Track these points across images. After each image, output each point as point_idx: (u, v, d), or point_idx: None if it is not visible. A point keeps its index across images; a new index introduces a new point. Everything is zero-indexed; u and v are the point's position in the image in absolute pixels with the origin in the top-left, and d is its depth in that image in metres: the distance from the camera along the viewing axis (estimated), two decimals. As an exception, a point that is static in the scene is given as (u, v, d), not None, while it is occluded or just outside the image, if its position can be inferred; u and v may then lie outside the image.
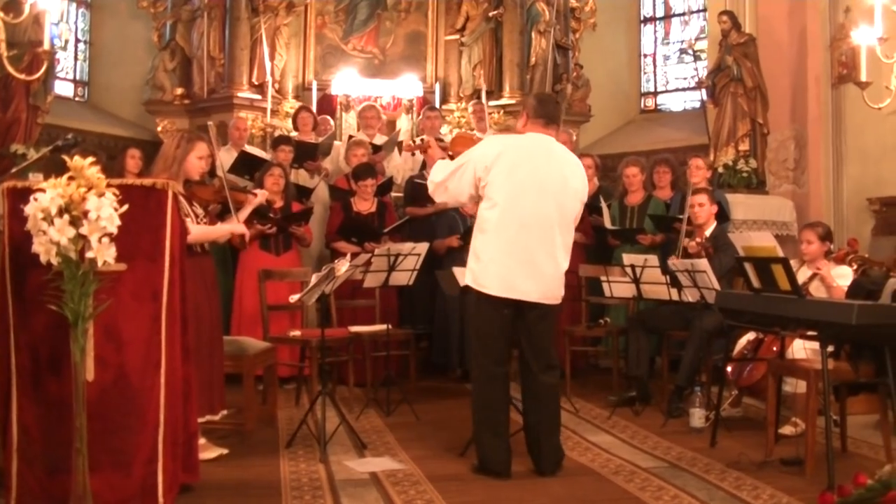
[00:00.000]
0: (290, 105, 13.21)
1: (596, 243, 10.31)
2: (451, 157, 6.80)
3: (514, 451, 6.34)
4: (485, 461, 6.27)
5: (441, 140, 10.45)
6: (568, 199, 6.31)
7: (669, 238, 9.66)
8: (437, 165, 6.67)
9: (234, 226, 7.00)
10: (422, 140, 7.64)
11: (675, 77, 15.83)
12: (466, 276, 6.44)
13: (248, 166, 10.28)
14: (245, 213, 7.22)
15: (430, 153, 7.02)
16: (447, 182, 6.44)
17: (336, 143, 12.01)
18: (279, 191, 9.38)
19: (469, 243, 9.21)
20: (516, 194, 6.17)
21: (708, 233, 8.65)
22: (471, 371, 6.71)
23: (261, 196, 7.40)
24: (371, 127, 11.91)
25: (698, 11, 15.40)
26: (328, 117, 12.80)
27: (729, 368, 7.76)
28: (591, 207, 9.91)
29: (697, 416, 7.56)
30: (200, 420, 6.10)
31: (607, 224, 9.89)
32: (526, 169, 6.20)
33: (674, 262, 8.06)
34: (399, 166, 11.70)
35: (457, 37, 14.05)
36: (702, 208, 8.68)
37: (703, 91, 12.47)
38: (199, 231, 6.54)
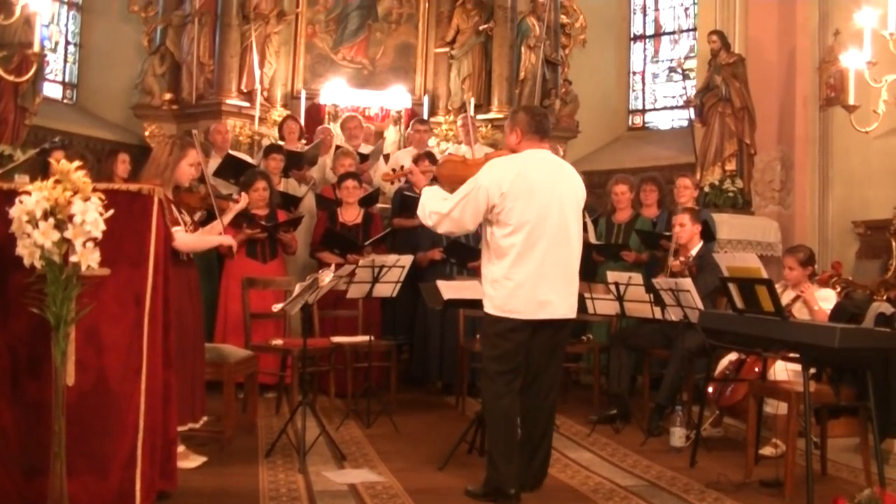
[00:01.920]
0: (279, 113, 13.20)
1: (581, 259, 10.26)
2: (436, 180, 6.73)
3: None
4: (495, 483, 6.04)
5: (430, 155, 10.50)
6: (578, 212, 6.34)
7: (654, 256, 9.67)
8: (429, 194, 6.43)
9: (224, 238, 7.01)
10: (402, 168, 7.54)
11: (664, 95, 15.87)
12: (486, 304, 6.21)
13: (234, 170, 10.28)
14: (228, 217, 7.25)
15: (415, 179, 6.90)
16: (453, 212, 6.16)
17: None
18: (265, 203, 9.35)
19: (451, 258, 9.25)
20: (540, 215, 6.04)
21: (693, 252, 8.65)
22: (482, 393, 6.47)
23: (243, 202, 7.41)
24: (355, 137, 11.92)
25: (688, 30, 15.45)
26: (330, 128, 12.73)
27: (710, 388, 7.75)
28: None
29: (678, 436, 7.56)
30: (182, 428, 6.09)
31: (592, 239, 9.86)
32: (545, 188, 6.09)
33: (658, 281, 8.05)
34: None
35: (446, 49, 14.06)
36: (683, 228, 8.66)
37: (691, 110, 12.49)
38: (190, 240, 6.54)
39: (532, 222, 6.02)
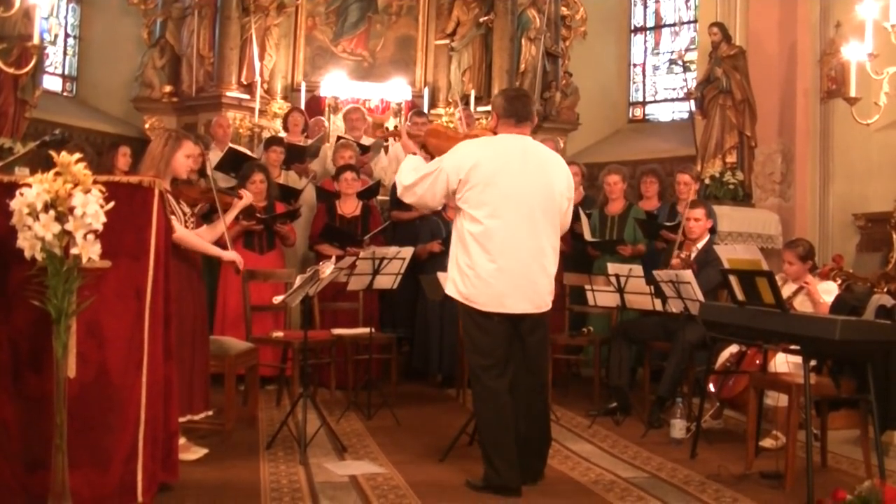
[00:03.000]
0: (279, 106, 13.21)
1: (576, 251, 10.25)
2: (424, 148, 6.61)
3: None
4: (492, 479, 6.00)
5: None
6: (553, 202, 6.13)
7: (654, 248, 9.66)
8: (407, 162, 6.43)
9: (230, 253, 6.97)
10: (395, 127, 7.48)
11: (664, 87, 15.86)
12: (448, 286, 6.23)
13: (236, 163, 10.26)
14: (231, 215, 7.21)
15: (402, 142, 6.71)
16: (416, 187, 6.22)
17: (325, 144, 12.01)
18: (263, 196, 9.33)
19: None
20: (497, 207, 5.96)
21: (700, 246, 8.64)
22: (472, 389, 6.44)
23: (246, 199, 7.36)
24: (356, 129, 11.91)
25: (689, 23, 15.44)
26: (322, 118, 12.78)
27: (711, 381, 7.75)
28: (574, 216, 9.91)
29: (678, 428, 7.56)
30: (180, 420, 6.08)
31: (587, 236, 9.82)
32: (504, 179, 5.99)
33: (658, 273, 8.05)
34: (386, 168, 11.70)
35: (447, 42, 14.05)
36: (698, 223, 8.66)
37: (692, 102, 12.46)
38: (192, 241, 6.52)
39: (491, 212, 5.96)
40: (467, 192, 6.01)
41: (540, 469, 6.30)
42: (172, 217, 6.24)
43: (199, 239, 6.70)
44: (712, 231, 9.03)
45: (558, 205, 6.19)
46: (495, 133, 6.29)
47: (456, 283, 6.14)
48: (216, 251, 6.93)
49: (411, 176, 6.26)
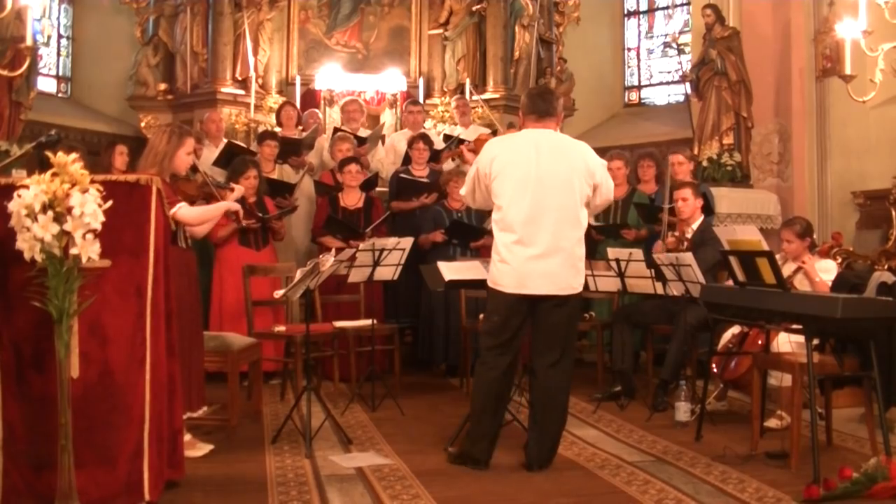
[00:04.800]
0: (274, 100, 13.17)
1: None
2: None
3: (500, 445, 6.36)
4: (466, 450, 6.36)
5: (424, 136, 10.58)
6: (572, 187, 6.28)
7: (653, 231, 9.66)
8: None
9: (229, 203, 7.01)
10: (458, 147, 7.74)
11: (659, 71, 15.87)
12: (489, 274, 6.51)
13: (234, 158, 10.23)
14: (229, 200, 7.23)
15: (466, 159, 7.14)
16: (473, 194, 6.60)
17: (321, 136, 12.00)
18: (254, 192, 9.30)
19: (453, 238, 9.32)
20: (514, 194, 6.22)
21: (694, 226, 8.64)
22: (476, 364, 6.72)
23: (238, 191, 7.37)
24: (354, 121, 11.93)
25: (682, 5, 15.41)
26: (316, 111, 12.78)
27: (714, 362, 7.75)
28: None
29: (682, 410, 7.56)
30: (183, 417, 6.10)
31: (591, 220, 9.83)
32: (520, 167, 6.25)
33: (659, 256, 8.04)
34: (382, 160, 11.72)
35: (440, 31, 14.01)
36: (685, 203, 8.67)
37: (687, 85, 12.44)
38: (196, 213, 6.55)
39: (510, 200, 6.25)
40: (492, 183, 6.32)
41: (550, 455, 6.34)
42: (180, 204, 6.27)
43: (200, 208, 6.71)
44: (709, 212, 9.00)
45: (577, 189, 6.31)
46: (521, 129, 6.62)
47: (490, 270, 6.46)
48: (220, 205, 6.96)
49: (466, 187, 6.70)
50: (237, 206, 7.17)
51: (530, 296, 6.22)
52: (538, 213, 6.18)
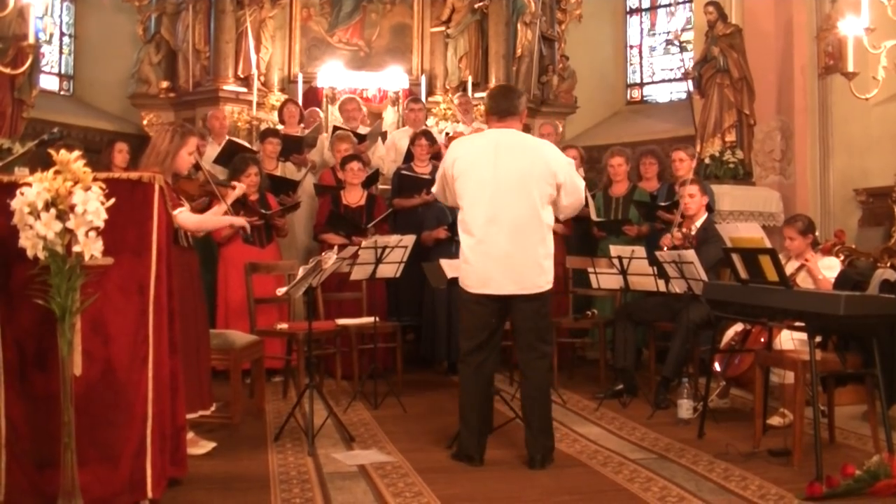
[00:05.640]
0: (276, 98, 13.18)
1: (580, 234, 10.30)
2: None
3: (502, 442, 6.39)
4: (461, 447, 6.47)
5: (427, 134, 10.58)
6: (530, 187, 6.30)
7: (654, 228, 9.67)
8: None
9: (236, 218, 7.03)
10: None
11: (662, 68, 15.86)
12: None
13: (234, 156, 10.23)
14: (229, 200, 7.21)
15: None
16: (443, 193, 6.69)
17: (322, 134, 12.00)
18: (255, 189, 9.29)
19: (456, 235, 9.35)
20: (475, 194, 6.34)
21: (698, 223, 8.64)
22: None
23: (239, 189, 7.35)
24: (353, 119, 11.94)
25: (684, 2, 15.41)
26: (317, 109, 12.78)
27: (716, 360, 7.75)
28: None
29: (685, 408, 7.57)
30: (192, 416, 6.11)
31: (592, 216, 9.87)
32: (479, 168, 6.35)
33: (660, 254, 8.04)
34: (383, 157, 11.71)
35: (442, 29, 14.00)
36: (692, 199, 8.66)
37: (690, 82, 12.43)
38: (195, 220, 6.56)
39: (470, 201, 6.37)
40: (455, 184, 6.42)
41: (542, 451, 6.35)
42: (182, 208, 6.28)
43: (201, 216, 6.73)
44: (709, 210, 9.01)
45: (535, 189, 6.33)
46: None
47: (459, 268, 6.55)
48: (224, 218, 6.98)
49: (436, 186, 6.82)
50: (243, 222, 7.16)
51: (496, 296, 6.31)
52: (496, 213, 6.26)
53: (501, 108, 6.51)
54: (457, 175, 6.40)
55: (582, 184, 6.64)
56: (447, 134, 11.94)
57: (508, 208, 6.24)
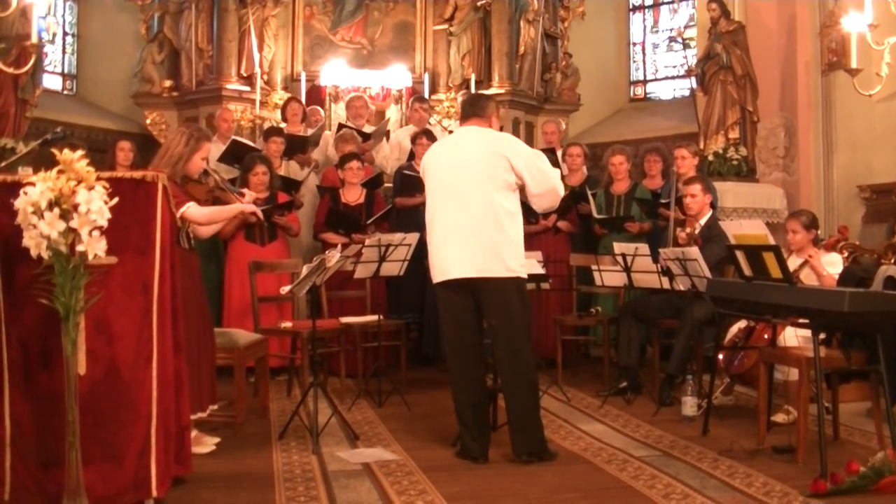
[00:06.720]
0: (279, 96, 13.17)
1: (582, 232, 10.30)
2: None
3: (506, 440, 6.42)
4: (463, 445, 6.51)
5: (428, 133, 10.56)
6: (483, 174, 6.39)
7: (656, 225, 9.66)
8: None
9: (244, 205, 7.00)
10: None
11: (665, 65, 15.84)
12: None
13: (239, 155, 10.23)
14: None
15: None
16: None
17: (326, 133, 12.00)
18: (265, 187, 9.28)
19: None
20: (434, 190, 6.63)
21: (703, 221, 8.62)
22: None
23: (249, 196, 7.29)
24: (360, 117, 11.91)
25: (687, -1, 15.40)
26: (318, 108, 12.78)
27: (720, 357, 7.74)
28: (579, 196, 9.94)
29: (689, 405, 7.56)
30: (192, 418, 6.10)
31: (594, 213, 9.87)
32: (439, 163, 6.67)
33: (664, 252, 8.04)
34: (387, 156, 11.71)
35: (445, 27, 13.99)
36: (694, 199, 8.64)
37: (693, 79, 12.42)
38: (206, 212, 6.54)
39: (431, 196, 6.66)
40: (426, 179, 6.80)
41: (522, 444, 6.38)
42: (189, 203, 6.27)
43: (210, 208, 6.70)
44: (713, 207, 9.00)
45: (490, 174, 6.42)
46: None
47: None
48: (232, 207, 6.96)
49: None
50: (253, 208, 7.14)
51: (459, 282, 6.39)
52: (453, 202, 6.46)
53: (467, 112, 6.78)
54: (424, 174, 6.76)
55: (555, 173, 6.62)
56: (450, 132, 11.92)
57: (462, 196, 6.40)
